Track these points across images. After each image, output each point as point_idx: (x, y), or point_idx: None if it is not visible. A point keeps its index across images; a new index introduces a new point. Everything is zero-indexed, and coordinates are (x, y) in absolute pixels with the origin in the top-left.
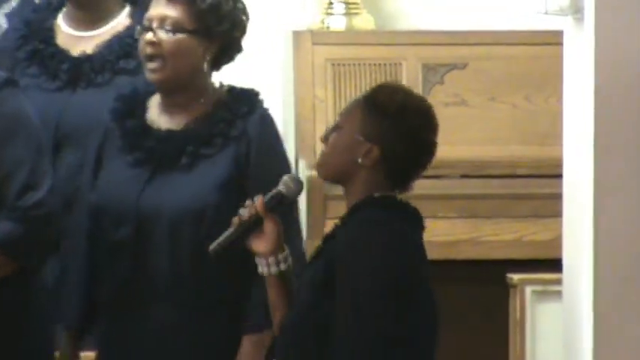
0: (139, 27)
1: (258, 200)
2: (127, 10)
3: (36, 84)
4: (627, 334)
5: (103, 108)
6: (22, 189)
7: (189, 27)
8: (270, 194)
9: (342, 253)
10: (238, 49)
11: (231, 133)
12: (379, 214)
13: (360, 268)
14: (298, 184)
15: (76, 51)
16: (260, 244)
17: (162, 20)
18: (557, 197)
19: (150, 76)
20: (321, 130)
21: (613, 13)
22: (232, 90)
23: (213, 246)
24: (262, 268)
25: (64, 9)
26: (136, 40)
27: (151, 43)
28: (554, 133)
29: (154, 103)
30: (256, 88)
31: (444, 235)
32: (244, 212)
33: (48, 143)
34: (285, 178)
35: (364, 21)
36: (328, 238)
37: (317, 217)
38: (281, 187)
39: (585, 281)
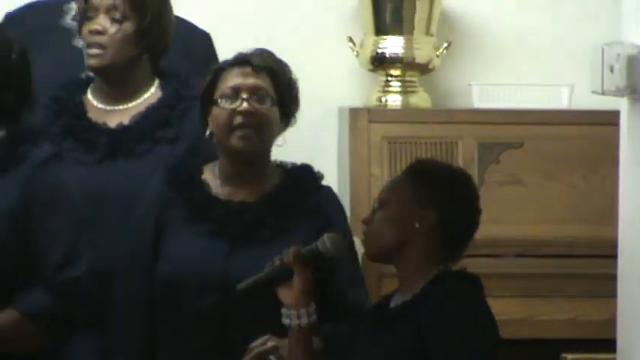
0: (222, 100)
1: (291, 250)
2: (156, 83)
3: (73, 157)
4: None
5: (145, 177)
6: (60, 263)
7: (276, 98)
8: (307, 247)
9: (435, 327)
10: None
11: (306, 206)
12: (457, 286)
13: (459, 339)
14: (335, 244)
15: (112, 123)
16: (287, 295)
17: (255, 90)
18: (613, 278)
19: (239, 144)
20: None
21: None
22: (284, 164)
23: (241, 285)
24: (285, 319)
25: (92, 85)
26: (172, 110)
27: (248, 113)
28: (610, 214)
29: (210, 173)
30: (312, 164)
31: (500, 314)
32: (277, 259)
33: (89, 216)
34: (325, 236)
35: (421, 99)
36: (397, 314)
37: (371, 294)
38: (318, 243)
39: None
